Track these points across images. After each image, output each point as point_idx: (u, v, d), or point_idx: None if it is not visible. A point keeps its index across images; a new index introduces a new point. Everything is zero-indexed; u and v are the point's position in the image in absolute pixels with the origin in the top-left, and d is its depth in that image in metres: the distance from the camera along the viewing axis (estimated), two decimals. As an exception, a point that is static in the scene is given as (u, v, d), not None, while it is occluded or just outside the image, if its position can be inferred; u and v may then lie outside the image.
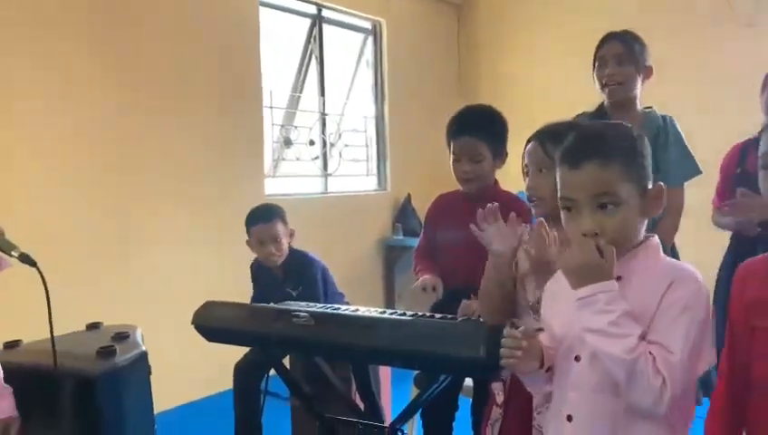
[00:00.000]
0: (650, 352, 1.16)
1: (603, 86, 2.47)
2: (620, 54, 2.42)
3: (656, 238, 1.31)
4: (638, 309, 1.20)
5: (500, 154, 2.21)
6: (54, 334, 2.23)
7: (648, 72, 2.47)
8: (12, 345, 2.14)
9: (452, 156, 2.21)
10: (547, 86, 5.20)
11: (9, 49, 3.08)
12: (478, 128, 2.18)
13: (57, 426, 1.94)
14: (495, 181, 2.27)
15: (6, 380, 1.95)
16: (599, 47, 2.49)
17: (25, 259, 1.65)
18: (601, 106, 2.54)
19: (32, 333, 2.03)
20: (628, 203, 1.24)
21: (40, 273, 1.60)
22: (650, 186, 1.28)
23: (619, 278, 1.22)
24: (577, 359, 1.28)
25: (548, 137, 1.67)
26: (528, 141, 1.75)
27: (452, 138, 2.21)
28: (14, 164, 3.09)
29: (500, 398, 1.65)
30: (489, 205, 1.69)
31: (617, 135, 1.30)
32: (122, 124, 3.50)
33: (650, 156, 1.31)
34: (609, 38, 2.47)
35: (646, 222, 1.30)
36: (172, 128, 3.74)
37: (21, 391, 1.94)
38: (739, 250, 2.44)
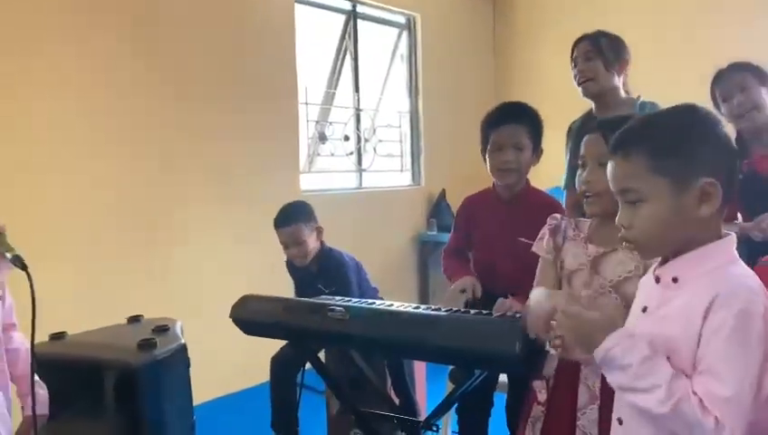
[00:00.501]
0: (694, 392, 1.04)
1: (578, 84, 2.58)
2: (588, 51, 2.54)
3: (727, 239, 1.16)
4: (680, 325, 1.10)
5: (537, 148, 2.18)
6: (97, 327, 2.30)
7: (623, 64, 2.56)
8: (57, 337, 2.20)
9: (490, 146, 2.15)
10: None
11: (49, 38, 3.15)
12: (520, 116, 2.15)
13: (100, 416, 1.99)
14: (527, 181, 2.22)
15: (52, 370, 2.01)
16: (572, 50, 2.62)
17: (16, 262, 1.59)
18: (590, 110, 2.62)
19: (77, 324, 2.08)
20: (657, 199, 1.12)
21: (29, 277, 1.53)
22: (700, 181, 1.11)
23: (675, 280, 1.15)
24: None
25: (610, 128, 1.62)
26: (583, 133, 1.70)
27: (492, 128, 2.15)
28: (52, 159, 3.17)
29: (541, 396, 1.63)
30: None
31: (661, 124, 1.18)
32: (161, 121, 3.57)
33: (719, 145, 1.15)
34: (579, 40, 2.61)
35: (708, 221, 1.13)
36: (209, 124, 3.79)
37: (65, 381, 2.01)
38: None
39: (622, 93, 2.56)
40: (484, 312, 1.89)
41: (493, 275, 2.17)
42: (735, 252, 1.16)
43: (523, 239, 2.00)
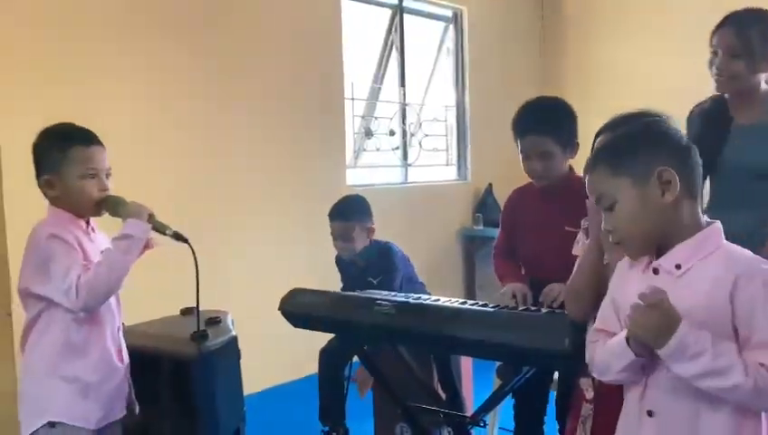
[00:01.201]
0: (761, 364, 1.14)
1: (713, 76, 2.22)
2: (732, 47, 2.11)
3: (716, 225, 1.27)
4: (702, 301, 1.18)
5: (570, 145, 2.15)
6: (151, 319, 2.38)
7: None
8: (117, 328, 2.28)
9: (520, 154, 2.17)
10: (636, 73, 4.99)
11: (121, 48, 3.27)
12: (543, 124, 2.12)
13: (155, 404, 2.06)
14: (570, 168, 2.20)
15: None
16: (713, 33, 2.19)
17: (179, 237, 1.82)
18: (722, 95, 2.28)
19: (134, 315, 2.15)
20: (624, 197, 1.25)
21: (191, 248, 1.80)
22: (655, 171, 1.23)
23: (678, 267, 1.23)
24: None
25: (602, 130, 1.62)
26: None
27: (518, 136, 2.17)
28: (119, 161, 3.27)
29: (589, 394, 1.60)
30: None
31: (617, 135, 1.35)
32: (213, 118, 3.65)
33: (668, 140, 1.29)
34: (723, 24, 2.16)
35: (679, 209, 1.24)
36: (258, 120, 3.86)
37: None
38: None
39: (764, 86, 2.20)
40: (533, 307, 1.88)
41: (539, 268, 2.16)
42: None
43: (569, 228, 2.00)
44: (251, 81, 3.81)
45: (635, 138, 1.30)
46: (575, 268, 1.58)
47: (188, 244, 1.81)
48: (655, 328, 1.16)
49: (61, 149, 1.76)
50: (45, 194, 1.79)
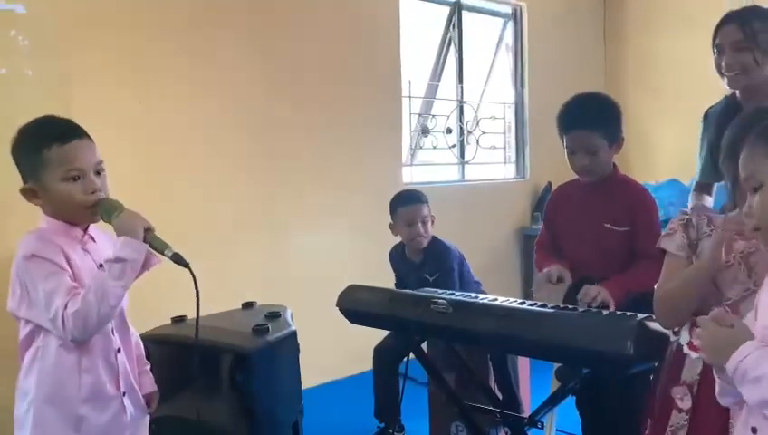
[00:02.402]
0: None
1: (722, 75, 2.21)
2: (738, 41, 2.12)
3: None
4: None
5: (616, 140, 2.14)
6: (213, 312, 2.44)
7: None
8: (178, 320, 2.36)
9: (566, 149, 2.16)
10: (703, 67, 4.79)
11: (183, 49, 3.36)
12: (589, 119, 2.11)
13: (216, 395, 2.12)
14: (614, 166, 2.19)
15: (172, 350, 2.15)
16: (715, 33, 2.20)
17: (178, 260, 1.54)
18: (733, 94, 2.27)
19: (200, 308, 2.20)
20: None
21: (191, 273, 1.51)
22: None
23: None
24: None
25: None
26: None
27: (564, 132, 2.17)
28: (179, 160, 3.38)
29: (684, 403, 1.53)
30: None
31: None
32: (272, 114, 3.71)
33: None
34: (725, 22, 2.18)
35: None
36: (316, 117, 3.90)
37: (184, 361, 2.14)
38: None
39: None
40: (594, 309, 1.84)
41: (580, 264, 2.14)
42: None
43: (607, 225, 2.03)
44: (309, 79, 3.86)
45: None
46: (678, 277, 1.52)
47: (189, 268, 1.52)
48: (717, 347, 1.13)
49: (35, 151, 1.52)
50: (34, 204, 1.57)
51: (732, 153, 1.41)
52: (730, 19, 2.17)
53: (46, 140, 1.52)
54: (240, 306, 2.50)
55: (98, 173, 1.56)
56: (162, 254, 1.55)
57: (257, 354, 2.06)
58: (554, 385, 2.33)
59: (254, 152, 3.66)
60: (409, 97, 4.53)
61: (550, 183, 5.14)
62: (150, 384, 1.78)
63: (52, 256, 1.49)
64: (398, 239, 2.95)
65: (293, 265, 3.78)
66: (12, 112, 1.88)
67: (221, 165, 3.53)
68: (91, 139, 1.58)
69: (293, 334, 2.23)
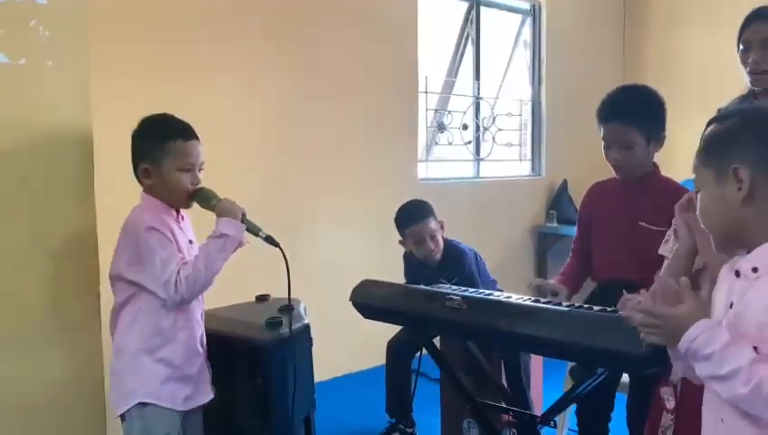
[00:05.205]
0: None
1: (747, 72, 2.15)
2: (766, 39, 2.06)
3: None
4: (764, 311, 1.12)
5: (656, 137, 2.06)
6: (227, 304, 2.46)
7: None
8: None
9: (603, 140, 2.10)
10: (725, 63, 4.71)
11: (209, 48, 3.38)
12: (629, 112, 2.04)
13: (229, 387, 2.13)
14: (655, 166, 2.12)
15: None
16: (743, 27, 2.14)
17: (270, 241, 1.84)
18: (748, 94, 2.21)
19: (210, 300, 2.22)
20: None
21: (283, 254, 1.82)
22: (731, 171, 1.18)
23: (755, 270, 1.17)
24: None
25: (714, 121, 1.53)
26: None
27: (602, 123, 2.10)
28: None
29: (670, 403, 1.54)
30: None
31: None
32: (287, 107, 3.72)
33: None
34: (755, 18, 2.11)
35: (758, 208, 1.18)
36: (333, 113, 3.90)
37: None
38: None
39: None
40: (609, 308, 1.83)
41: (611, 265, 2.11)
42: None
43: (643, 223, 1.98)
44: (325, 74, 3.86)
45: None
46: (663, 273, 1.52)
47: (280, 248, 1.83)
48: (669, 335, 1.16)
49: (161, 140, 1.79)
50: (141, 182, 1.84)
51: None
52: (761, 15, 2.10)
53: (173, 134, 1.80)
54: (254, 299, 2.51)
55: (200, 170, 1.86)
56: (256, 235, 1.85)
57: (270, 347, 2.07)
58: (567, 384, 2.32)
59: (271, 147, 3.67)
60: (426, 93, 4.52)
61: (566, 181, 5.11)
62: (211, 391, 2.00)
63: (165, 230, 1.76)
64: None
65: (309, 259, 3.78)
66: (31, 103, 1.92)
67: (237, 159, 3.53)
68: (200, 141, 1.86)
69: (307, 328, 2.23)
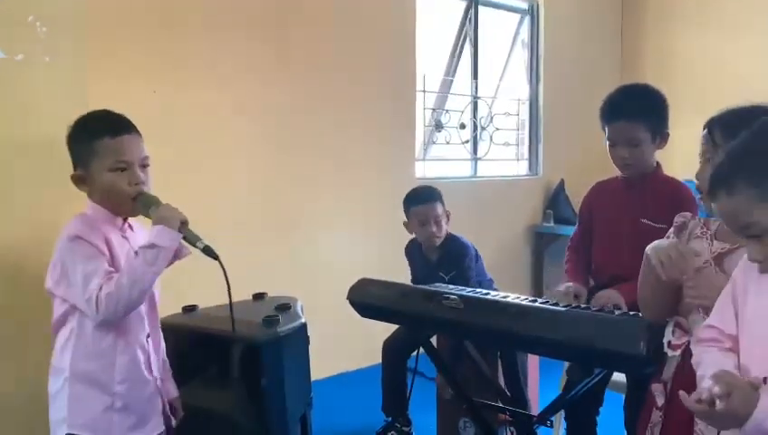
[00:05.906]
0: None
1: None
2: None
3: None
4: None
5: (660, 135, 2.08)
6: (223, 302, 2.45)
7: None
8: (189, 309, 2.36)
9: (607, 141, 2.10)
10: (722, 63, 4.75)
11: (204, 46, 3.36)
12: (634, 110, 2.05)
13: (225, 385, 2.13)
14: (657, 164, 2.13)
15: (183, 339, 2.16)
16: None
17: (208, 252, 1.63)
18: None
19: (207, 298, 2.22)
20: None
21: (221, 266, 1.61)
22: None
23: None
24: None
25: (719, 124, 1.52)
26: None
27: (606, 122, 2.10)
28: (188, 141, 3.38)
29: (660, 400, 1.55)
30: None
31: (754, 149, 1.15)
32: (285, 106, 3.71)
33: None
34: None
35: None
36: (330, 112, 3.89)
37: (194, 350, 2.15)
38: None
39: None
40: (606, 309, 1.83)
41: (612, 263, 2.11)
42: None
43: (645, 221, 1.99)
44: (323, 73, 3.85)
45: None
46: (639, 277, 1.54)
47: (219, 261, 1.62)
48: (727, 419, 1.10)
49: (87, 141, 1.62)
50: (81, 190, 1.67)
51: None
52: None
53: (99, 132, 1.61)
54: (251, 297, 2.50)
55: (143, 167, 1.65)
56: (194, 246, 1.63)
57: (267, 345, 2.06)
58: (564, 383, 2.32)
59: (268, 146, 3.67)
60: (423, 91, 4.52)
61: (563, 181, 5.12)
62: (174, 390, 1.85)
63: (94, 240, 1.57)
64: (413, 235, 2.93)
65: (306, 257, 3.78)
66: (28, 98, 1.91)
67: (234, 158, 3.53)
68: (139, 134, 1.66)
69: (304, 326, 2.23)
